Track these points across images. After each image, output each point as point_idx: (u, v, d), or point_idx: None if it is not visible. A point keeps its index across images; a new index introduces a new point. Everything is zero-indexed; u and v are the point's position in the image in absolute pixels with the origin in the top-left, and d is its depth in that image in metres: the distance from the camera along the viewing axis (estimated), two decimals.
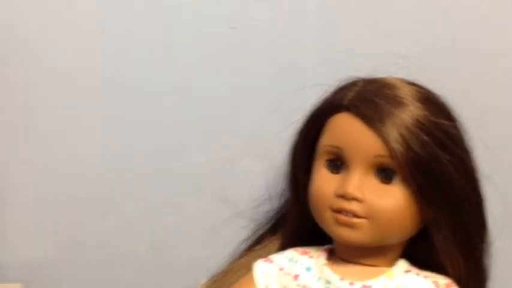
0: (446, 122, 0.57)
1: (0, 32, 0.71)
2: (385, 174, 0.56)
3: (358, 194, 0.56)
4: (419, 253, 0.60)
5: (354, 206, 0.56)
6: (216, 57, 0.73)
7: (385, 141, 0.55)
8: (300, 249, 0.63)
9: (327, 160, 0.59)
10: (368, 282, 0.58)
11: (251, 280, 0.62)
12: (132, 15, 0.72)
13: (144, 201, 0.75)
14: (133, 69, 0.73)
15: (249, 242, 0.70)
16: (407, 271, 0.59)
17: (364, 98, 0.57)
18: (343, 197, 0.57)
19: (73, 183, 0.74)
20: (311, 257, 0.62)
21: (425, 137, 0.55)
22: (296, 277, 0.61)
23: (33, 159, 0.73)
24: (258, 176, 0.73)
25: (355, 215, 0.56)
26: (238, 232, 0.71)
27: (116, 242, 0.75)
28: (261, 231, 0.70)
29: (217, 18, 0.72)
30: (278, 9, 0.71)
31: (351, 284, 0.58)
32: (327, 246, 0.62)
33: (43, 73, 0.73)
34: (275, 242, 0.67)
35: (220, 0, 0.72)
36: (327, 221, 0.58)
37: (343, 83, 0.61)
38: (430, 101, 0.58)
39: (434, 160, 0.55)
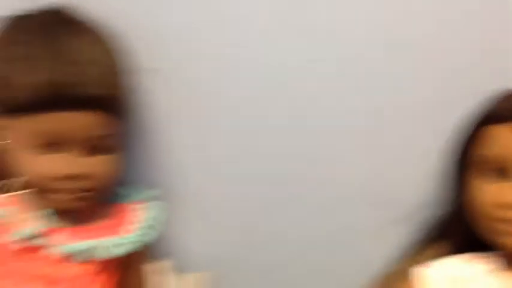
0: None
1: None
2: None
3: None
4: None
5: None
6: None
7: None
8: (465, 257, 0.65)
9: (487, 170, 0.60)
10: None
11: (414, 286, 0.65)
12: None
13: (313, 202, 0.79)
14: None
15: (413, 247, 0.72)
16: None
17: None
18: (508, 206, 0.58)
19: (253, 183, 0.79)
20: (477, 264, 0.64)
21: None
22: (460, 281, 0.63)
23: (216, 160, 0.78)
24: (424, 181, 0.74)
25: None
26: (403, 236, 0.73)
27: (288, 243, 0.80)
28: (425, 237, 0.71)
29: None
30: None
31: None
32: (492, 253, 0.63)
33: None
34: (439, 248, 0.69)
35: None
36: (494, 230, 0.60)
37: (504, 93, 0.63)
38: None
39: None
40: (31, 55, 0.62)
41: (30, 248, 0.66)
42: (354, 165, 0.77)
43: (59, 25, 0.65)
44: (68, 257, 0.67)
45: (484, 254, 0.64)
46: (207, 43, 0.74)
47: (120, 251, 0.68)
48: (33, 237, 0.66)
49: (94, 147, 0.66)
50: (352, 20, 0.73)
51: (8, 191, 0.70)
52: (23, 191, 0.69)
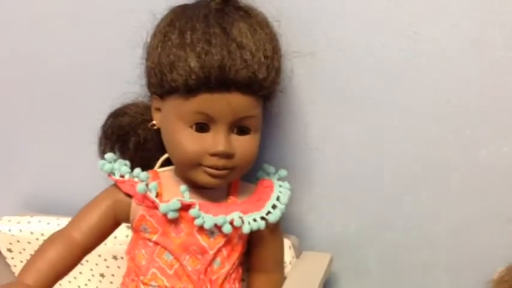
0: None
1: None
2: None
3: None
4: None
5: None
6: None
7: None
8: None
9: None
10: None
11: None
12: None
13: (446, 187, 0.78)
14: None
15: None
16: None
17: None
18: None
19: (376, 168, 0.80)
20: None
21: None
22: None
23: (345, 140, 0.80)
24: None
25: None
26: None
27: (416, 224, 0.81)
28: None
29: None
30: None
31: None
32: None
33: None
34: None
35: None
36: None
37: None
38: None
39: None
40: (190, 41, 0.66)
41: (173, 220, 0.69)
42: (499, 152, 0.76)
43: (226, 12, 0.68)
44: (210, 230, 0.70)
45: None
46: (356, 31, 0.75)
47: (255, 226, 0.71)
48: (177, 210, 0.69)
49: (242, 127, 0.69)
50: None
51: (159, 167, 0.74)
52: (171, 167, 0.74)
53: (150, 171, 0.73)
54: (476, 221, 0.78)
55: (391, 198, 0.81)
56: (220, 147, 0.67)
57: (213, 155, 0.68)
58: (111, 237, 0.74)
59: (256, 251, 0.76)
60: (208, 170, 0.69)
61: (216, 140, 0.68)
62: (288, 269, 0.79)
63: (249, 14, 0.69)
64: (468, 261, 0.80)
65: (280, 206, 0.73)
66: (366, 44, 0.76)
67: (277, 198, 0.74)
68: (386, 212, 0.82)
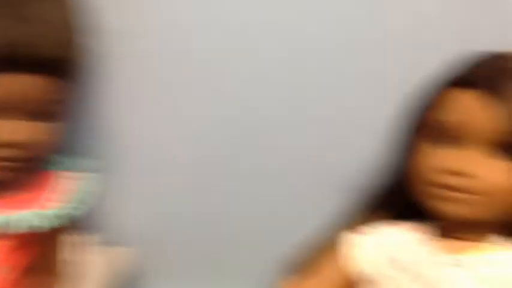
0: None
1: None
2: (503, 150, 0.57)
3: (467, 170, 0.57)
4: None
5: (462, 182, 0.57)
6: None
7: (509, 117, 0.56)
8: (397, 224, 0.65)
9: (440, 135, 0.59)
10: (463, 256, 0.59)
11: (344, 252, 0.65)
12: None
13: (250, 172, 0.77)
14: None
15: (347, 214, 0.71)
16: (502, 246, 0.60)
17: (487, 74, 0.58)
18: (451, 172, 0.57)
19: (183, 153, 0.77)
20: (408, 231, 0.64)
21: None
22: (391, 251, 0.63)
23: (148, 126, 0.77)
24: (361, 149, 0.74)
25: (463, 191, 0.57)
26: (340, 204, 0.72)
27: (220, 219, 0.79)
28: (365, 204, 0.70)
29: None
30: None
31: (446, 257, 0.60)
32: (424, 221, 0.64)
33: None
34: (374, 216, 0.68)
35: None
36: (430, 195, 0.59)
37: (466, 58, 0.61)
38: None
39: None
40: None
41: None
42: (296, 134, 0.76)
43: None
44: None
45: (422, 223, 0.64)
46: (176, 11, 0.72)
47: (42, 224, 0.64)
48: None
49: (38, 113, 0.61)
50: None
51: None
52: None
53: None
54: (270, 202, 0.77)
55: (196, 188, 0.78)
56: (4, 136, 0.59)
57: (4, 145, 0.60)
58: None
59: (42, 250, 0.68)
60: None
61: (6, 128, 0.59)
62: (88, 266, 0.72)
63: None
64: (268, 245, 0.78)
65: (79, 200, 0.67)
66: (179, 25, 0.72)
67: (76, 192, 0.67)
68: (193, 202, 0.79)
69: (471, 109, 0.57)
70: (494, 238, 0.61)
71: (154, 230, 0.79)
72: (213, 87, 0.75)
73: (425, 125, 0.61)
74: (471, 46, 0.63)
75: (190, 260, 0.80)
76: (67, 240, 0.70)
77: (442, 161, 0.58)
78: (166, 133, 0.76)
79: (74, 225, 0.69)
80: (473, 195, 0.58)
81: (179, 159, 0.77)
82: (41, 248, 0.67)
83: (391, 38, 0.73)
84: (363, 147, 0.74)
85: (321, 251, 0.69)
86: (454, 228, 0.61)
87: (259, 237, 0.79)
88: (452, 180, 0.58)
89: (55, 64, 0.60)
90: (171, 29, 0.74)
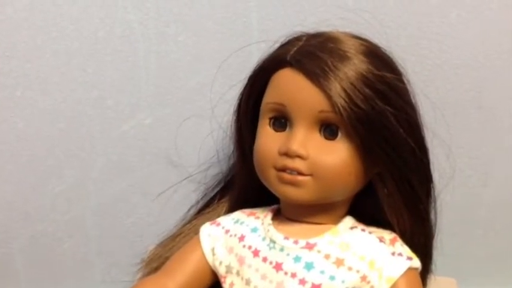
0: (390, 75, 0.56)
1: None
2: (329, 130, 0.56)
3: (301, 151, 0.55)
4: (367, 210, 0.60)
5: (297, 164, 0.55)
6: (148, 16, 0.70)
7: (328, 96, 0.54)
8: (247, 211, 0.63)
9: (271, 118, 0.58)
10: (312, 240, 0.57)
11: (197, 243, 0.61)
12: None
13: (90, 166, 0.73)
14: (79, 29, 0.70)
15: (198, 206, 0.69)
16: (352, 227, 0.59)
17: (307, 53, 0.56)
18: (287, 154, 0.55)
19: (14, 150, 0.72)
20: (257, 217, 0.61)
21: (368, 91, 0.54)
22: (242, 238, 0.60)
23: None
24: (206, 138, 0.71)
25: (299, 173, 0.55)
26: (187, 196, 0.70)
27: (61, 210, 0.73)
28: (210, 195, 0.69)
29: None
30: None
31: (295, 242, 0.57)
32: (273, 207, 0.62)
33: None
34: (224, 204, 0.66)
35: None
36: (272, 179, 0.57)
37: (287, 39, 0.59)
38: (374, 54, 0.57)
39: (377, 114, 0.54)
40: None
41: None
42: (138, 124, 0.71)
43: None
44: None
45: (268, 207, 0.62)
46: None
47: None
48: None
49: None
50: None
51: None
52: None
53: None
54: (123, 200, 0.73)
55: (35, 186, 0.72)
56: None
57: None
58: None
59: None
60: None
61: None
62: None
63: None
64: (120, 243, 0.74)
65: None
66: None
67: None
68: (33, 203, 0.73)
69: (290, 89, 0.56)
70: (344, 219, 0.59)
71: None
72: None
73: (261, 109, 0.59)
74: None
75: (37, 260, 0.75)
76: None
77: (277, 144, 0.57)
78: None
79: None
80: (307, 176, 0.56)
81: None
82: None
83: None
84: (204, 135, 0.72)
85: (178, 244, 0.65)
86: (302, 212, 0.59)
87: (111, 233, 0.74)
88: (288, 163, 0.56)
89: None
90: None
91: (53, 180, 0.72)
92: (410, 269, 0.56)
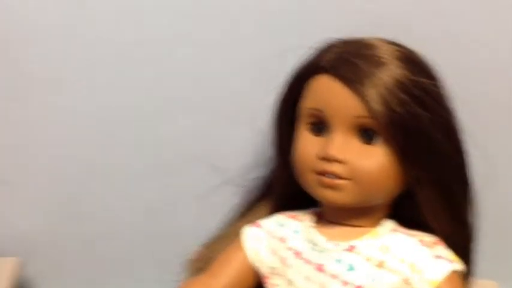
0: (426, 80, 0.57)
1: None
2: (366, 135, 0.57)
3: (340, 156, 0.56)
4: (407, 213, 0.61)
5: (336, 168, 0.56)
6: (197, 23, 0.72)
7: (365, 101, 0.55)
8: (288, 213, 0.64)
9: (309, 123, 0.59)
10: (353, 242, 0.58)
11: (240, 245, 0.63)
12: None
13: (132, 171, 0.75)
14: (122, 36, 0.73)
15: (239, 209, 0.70)
16: (393, 230, 0.60)
17: (343, 59, 0.57)
18: (326, 159, 0.57)
19: (64, 157, 0.75)
20: (299, 220, 0.63)
21: (404, 96, 0.55)
22: (284, 240, 0.61)
23: (26, 136, 0.74)
24: (246, 143, 0.73)
25: (338, 177, 0.56)
26: (228, 199, 0.71)
27: (111, 212, 0.76)
28: (250, 198, 0.70)
29: None
30: None
31: (337, 244, 0.59)
32: (314, 209, 0.63)
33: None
34: (264, 207, 0.67)
35: None
36: (311, 183, 0.59)
37: (323, 45, 0.61)
38: (410, 59, 0.58)
39: (414, 119, 0.55)
40: None
41: None
42: (179, 126, 0.74)
43: None
44: None
45: (308, 210, 0.63)
46: None
47: None
48: None
49: None
50: None
51: None
52: None
53: None
54: (169, 202, 0.76)
55: (80, 190, 0.76)
56: None
57: None
58: None
59: None
60: None
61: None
62: None
63: None
64: (167, 244, 0.77)
65: None
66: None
67: None
68: (79, 204, 0.76)
69: (327, 95, 0.57)
70: (385, 222, 0.60)
71: (38, 239, 0.76)
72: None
73: (297, 115, 0.61)
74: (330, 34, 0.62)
75: (81, 263, 0.78)
76: None
77: (315, 148, 0.58)
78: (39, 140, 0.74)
79: None
80: (346, 180, 0.57)
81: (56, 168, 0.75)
82: None
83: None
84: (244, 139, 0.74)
85: (221, 246, 0.66)
86: (343, 215, 0.60)
87: (157, 235, 0.77)
88: (326, 167, 0.57)
89: None
90: None
91: (102, 182, 0.76)
92: (453, 272, 0.57)
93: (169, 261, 0.70)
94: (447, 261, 0.57)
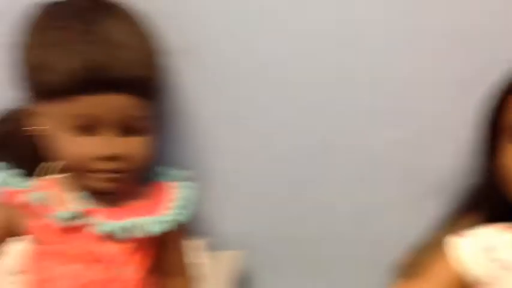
0: None
1: None
2: None
3: None
4: None
5: None
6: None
7: None
8: (500, 225, 0.66)
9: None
10: None
11: (448, 255, 0.66)
12: None
13: (344, 177, 0.80)
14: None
15: (447, 218, 0.72)
16: None
17: None
18: None
19: (282, 163, 0.81)
20: (506, 230, 0.64)
21: None
22: (493, 251, 0.64)
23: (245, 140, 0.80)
24: (458, 151, 0.75)
25: None
26: (436, 208, 0.74)
27: (317, 216, 0.82)
28: (458, 208, 0.72)
29: None
30: None
31: None
32: None
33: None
34: (472, 218, 0.69)
35: None
36: None
37: None
38: None
39: None
40: (66, 39, 0.63)
41: (70, 229, 0.68)
42: (387, 136, 0.77)
43: (92, 10, 0.66)
44: (107, 236, 0.68)
45: None
46: (240, 24, 0.75)
47: (156, 229, 0.69)
48: (73, 217, 0.67)
49: (128, 128, 0.67)
50: None
51: (46, 174, 0.71)
52: (61, 174, 0.71)
53: (44, 180, 0.70)
54: (376, 207, 0.79)
55: (295, 191, 0.81)
56: (106, 150, 0.66)
57: (100, 158, 0.66)
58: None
59: (162, 254, 0.74)
60: (99, 174, 0.67)
61: (101, 143, 0.66)
62: (200, 269, 0.77)
63: (124, 13, 0.68)
64: (374, 247, 0.80)
65: (185, 207, 0.72)
66: (247, 39, 0.76)
67: (181, 199, 0.72)
68: (292, 206, 0.81)
69: None
70: None
71: (259, 233, 0.83)
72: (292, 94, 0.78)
73: (503, 127, 0.62)
74: None
75: (297, 260, 0.83)
76: (183, 245, 0.76)
77: None
78: (260, 140, 0.80)
79: (184, 230, 0.74)
80: None
81: (278, 162, 0.80)
82: (161, 252, 0.74)
83: (467, 41, 0.74)
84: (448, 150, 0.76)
85: (428, 253, 0.70)
86: None
87: (365, 239, 0.81)
88: None
89: (133, 83, 0.65)
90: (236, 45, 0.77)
91: (309, 188, 0.81)
92: None
93: (375, 265, 0.76)
94: None
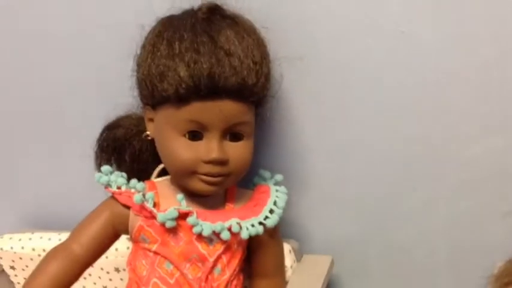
0: None
1: None
2: None
3: None
4: None
5: None
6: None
7: None
8: None
9: None
10: None
11: None
12: None
13: (440, 185, 0.79)
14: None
15: None
16: None
17: None
18: None
19: (373, 169, 0.81)
20: None
21: None
22: None
23: (337, 143, 0.81)
24: None
25: None
26: None
27: (413, 223, 0.82)
28: None
29: None
30: None
31: None
32: None
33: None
34: None
35: None
36: None
37: None
38: None
39: None
40: (181, 50, 0.66)
41: (171, 229, 0.70)
42: (484, 145, 0.77)
43: (213, 20, 0.69)
44: (205, 237, 0.70)
45: None
46: (343, 33, 0.76)
47: (254, 231, 0.71)
48: (176, 218, 0.70)
49: (235, 133, 0.69)
50: None
51: (155, 177, 0.75)
52: (167, 177, 0.74)
53: (146, 182, 0.74)
54: (473, 216, 0.79)
55: (388, 197, 0.82)
56: (214, 154, 0.68)
57: (207, 162, 0.68)
58: (112, 250, 0.75)
59: (256, 256, 0.76)
60: (204, 177, 0.69)
61: (209, 148, 0.68)
62: (289, 273, 0.79)
63: (236, 22, 0.70)
64: (467, 257, 0.80)
65: (278, 211, 0.74)
66: (354, 45, 0.76)
67: (275, 203, 0.74)
68: (384, 212, 0.82)
69: None
70: None
71: (348, 241, 0.84)
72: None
73: None
74: None
75: (388, 267, 0.84)
76: (279, 247, 0.78)
77: None
78: (356, 145, 0.81)
79: (277, 233, 0.76)
80: None
81: (374, 168, 0.81)
82: (261, 254, 0.76)
83: None
84: None
85: None
86: None
87: (460, 246, 0.81)
88: None
89: (250, 90, 0.68)
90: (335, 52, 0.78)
91: (407, 194, 0.81)
92: None
93: (470, 274, 0.75)
94: None
